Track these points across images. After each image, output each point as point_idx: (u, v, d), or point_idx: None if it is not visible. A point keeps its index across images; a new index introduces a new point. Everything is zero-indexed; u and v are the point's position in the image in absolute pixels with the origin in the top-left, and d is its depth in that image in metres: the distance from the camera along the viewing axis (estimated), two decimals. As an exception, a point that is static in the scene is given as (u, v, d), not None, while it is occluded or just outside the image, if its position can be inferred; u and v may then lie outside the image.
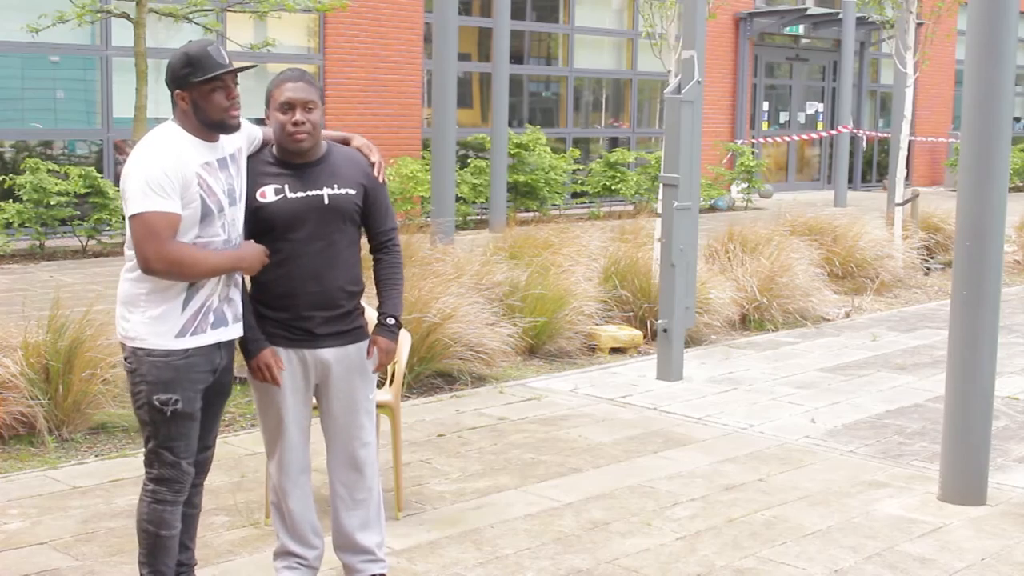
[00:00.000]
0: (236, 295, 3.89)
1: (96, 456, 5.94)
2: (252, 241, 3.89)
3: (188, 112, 3.73)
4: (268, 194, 3.93)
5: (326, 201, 3.97)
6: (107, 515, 5.07)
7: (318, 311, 4.00)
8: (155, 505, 3.83)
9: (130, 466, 5.71)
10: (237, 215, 3.84)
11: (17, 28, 11.31)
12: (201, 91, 3.70)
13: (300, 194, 3.95)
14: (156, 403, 3.74)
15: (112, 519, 5.03)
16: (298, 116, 3.89)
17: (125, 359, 3.81)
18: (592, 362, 8.45)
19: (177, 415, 3.76)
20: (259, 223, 3.93)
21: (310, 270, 3.97)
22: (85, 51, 13.91)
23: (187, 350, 3.73)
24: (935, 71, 24.52)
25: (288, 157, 3.98)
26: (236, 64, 3.77)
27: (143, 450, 3.87)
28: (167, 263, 3.61)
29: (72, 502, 5.23)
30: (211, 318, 3.78)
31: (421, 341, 7.20)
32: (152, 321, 3.71)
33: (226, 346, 3.89)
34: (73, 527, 4.93)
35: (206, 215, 3.71)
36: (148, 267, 3.63)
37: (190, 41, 3.87)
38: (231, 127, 3.79)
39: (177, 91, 3.73)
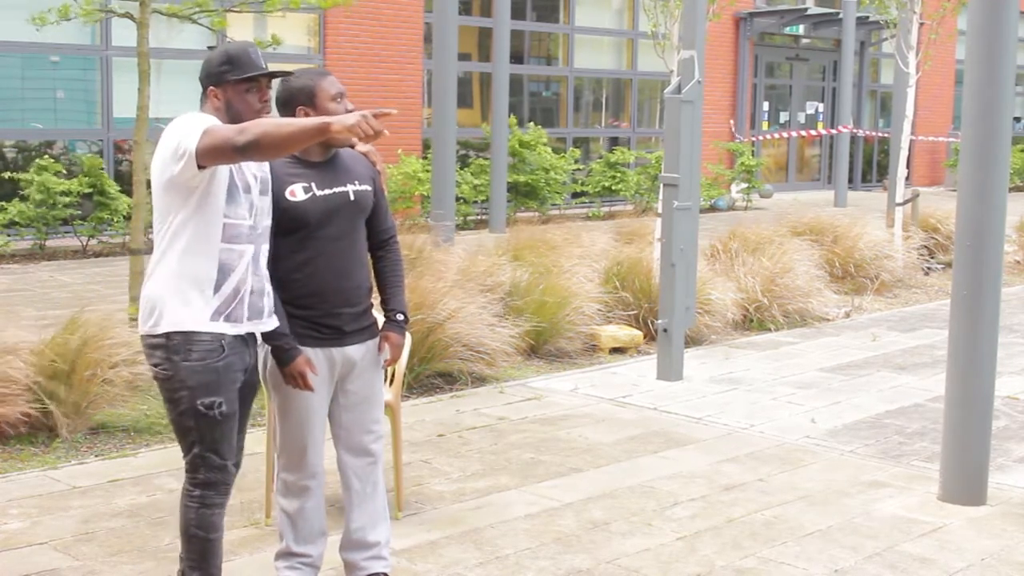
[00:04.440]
0: (270, 289, 3.84)
1: (96, 456, 5.94)
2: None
3: (220, 110, 3.73)
4: (298, 192, 3.94)
5: (351, 197, 4.02)
6: (107, 515, 5.07)
7: (347, 308, 4.02)
8: (204, 510, 3.80)
9: (130, 466, 5.71)
10: (265, 205, 3.81)
11: (19, 28, 11.28)
12: (236, 90, 3.72)
13: (328, 191, 3.98)
14: (201, 407, 3.69)
15: (112, 519, 5.03)
16: (350, 105, 3.98)
17: (156, 365, 3.71)
18: (592, 362, 8.45)
19: (224, 417, 3.74)
20: (290, 222, 3.92)
21: (339, 267, 4.00)
22: (85, 51, 13.91)
23: (222, 344, 3.66)
24: (935, 71, 24.50)
25: (308, 155, 3.99)
26: (272, 68, 3.78)
27: (184, 458, 3.80)
28: (249, 135, 3.44)
29: (72, 502, 5.23)
30: (246, 307, 3.72)
31: (422, 341, 7.20)
32: (185, 304, 3.64)
33: (253, 343, 3.86)
34: (73, 527, 4.93)
35: (232, 191, 3.68)
36: (237, 148, 3.46)
37: (228, 41, 3.87)
38: None
39: (211, 87, 3.74)
